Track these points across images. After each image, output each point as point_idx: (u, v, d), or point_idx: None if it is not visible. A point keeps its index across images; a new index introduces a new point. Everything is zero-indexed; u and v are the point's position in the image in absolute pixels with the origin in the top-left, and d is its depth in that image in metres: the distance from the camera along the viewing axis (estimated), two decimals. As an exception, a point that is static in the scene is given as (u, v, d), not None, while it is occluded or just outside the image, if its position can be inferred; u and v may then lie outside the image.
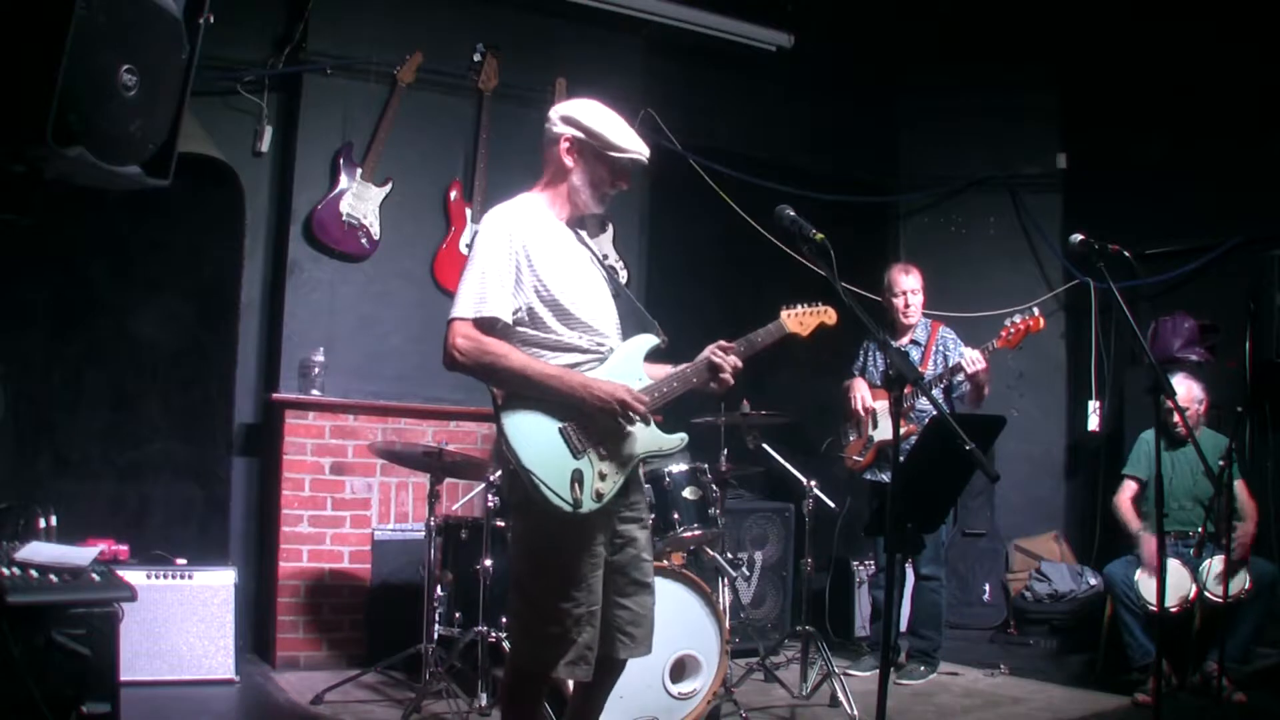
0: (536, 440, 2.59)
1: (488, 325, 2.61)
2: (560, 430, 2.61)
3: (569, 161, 2.74)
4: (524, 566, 2.72)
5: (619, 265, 5.77)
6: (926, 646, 5.07)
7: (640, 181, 6.10)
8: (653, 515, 3.98)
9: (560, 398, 2.60)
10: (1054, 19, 6.20)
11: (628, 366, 2.75)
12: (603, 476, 2.62)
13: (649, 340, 2.81)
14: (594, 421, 2.63)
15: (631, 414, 2.62)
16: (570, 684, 2.89)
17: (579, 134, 2.72)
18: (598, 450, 2.63)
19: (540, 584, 2.64)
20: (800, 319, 3.06)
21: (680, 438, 2.80)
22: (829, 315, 3.11)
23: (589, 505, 2.58)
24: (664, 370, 2.82)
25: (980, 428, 2.88)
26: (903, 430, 4.88)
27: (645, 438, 2.72)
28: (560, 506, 2.54)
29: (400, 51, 5.28)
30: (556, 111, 2.78)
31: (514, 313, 2.64)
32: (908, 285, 5.05)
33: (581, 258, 2.80)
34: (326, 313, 5.17)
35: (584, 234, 2.89)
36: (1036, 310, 4.61)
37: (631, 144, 2.73)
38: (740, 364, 2.79)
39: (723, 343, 2.80)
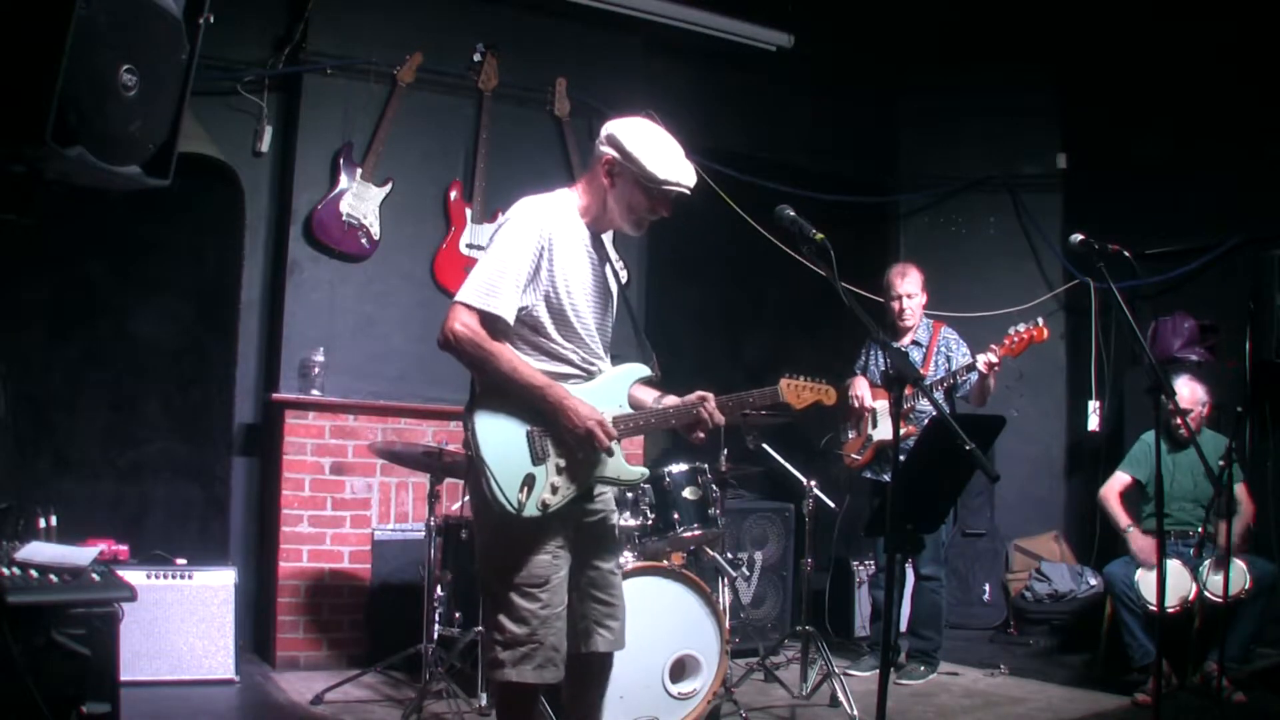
0: (500, 437, 2.60)
1: (489, 320, 2.59)
2: (527, 434, 2.63)
3: (605, 181, 2.70)
4: (487, 567, 2.73)
5: (620, 266, 5.77)
6: (926, 647, 5.07)
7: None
8: (653, 515, 4.00)
9: (537, 407, 2.61)
10: (1054, 19, 6.20)
11: (611, 391, 2.74)
12: (554, 489, 2.62)
13: (639, 370, 2.81)
14: (562, 435, 2.64)
15: (596, 446, 2.62)
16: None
17: (618, 156, 2.66)
18: (557, 462, 2.64)
19: (504, 585, 2.64)
20: (798, 391, 3.03)
21: (641, 471, 2.81)
22: (828, 395, 3.09)
23: (530, 511, 2.59)
24: (649, 397, 2.81)
25: (980, 428, 2.88)
26: (902, 431, 4.89)
27: (608, 462, 2.71)
28: (503, 505, 2.56)
29: (400, 51, 5.27)
30: (607, 127, 2.73)
31: (520, 310, 2.62)
32: (903, 289, 5.04)
33: (595, 270, 2.77)
34: (326, 313, 5.17)
35: (607, 244, 2.85)
36: (1041, 320, 4.59)
37: (671, 174, 2.64)
38: (722, 421, 2.75)
39: (711, 397, 2.74)
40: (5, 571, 2.69)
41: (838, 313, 2.84)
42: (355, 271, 5.23)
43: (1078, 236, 3.32)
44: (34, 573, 2.74)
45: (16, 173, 2.19)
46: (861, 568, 5.86)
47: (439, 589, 4.28)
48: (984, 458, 2.46)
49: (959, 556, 6.24)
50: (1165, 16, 5.92)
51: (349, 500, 5.06)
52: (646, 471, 2.84)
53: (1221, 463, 4.14)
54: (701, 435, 2.77)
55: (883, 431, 4.97)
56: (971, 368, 4.73)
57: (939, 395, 4.79)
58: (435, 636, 4.18)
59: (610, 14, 5.68)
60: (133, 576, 3.94)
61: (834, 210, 5.97)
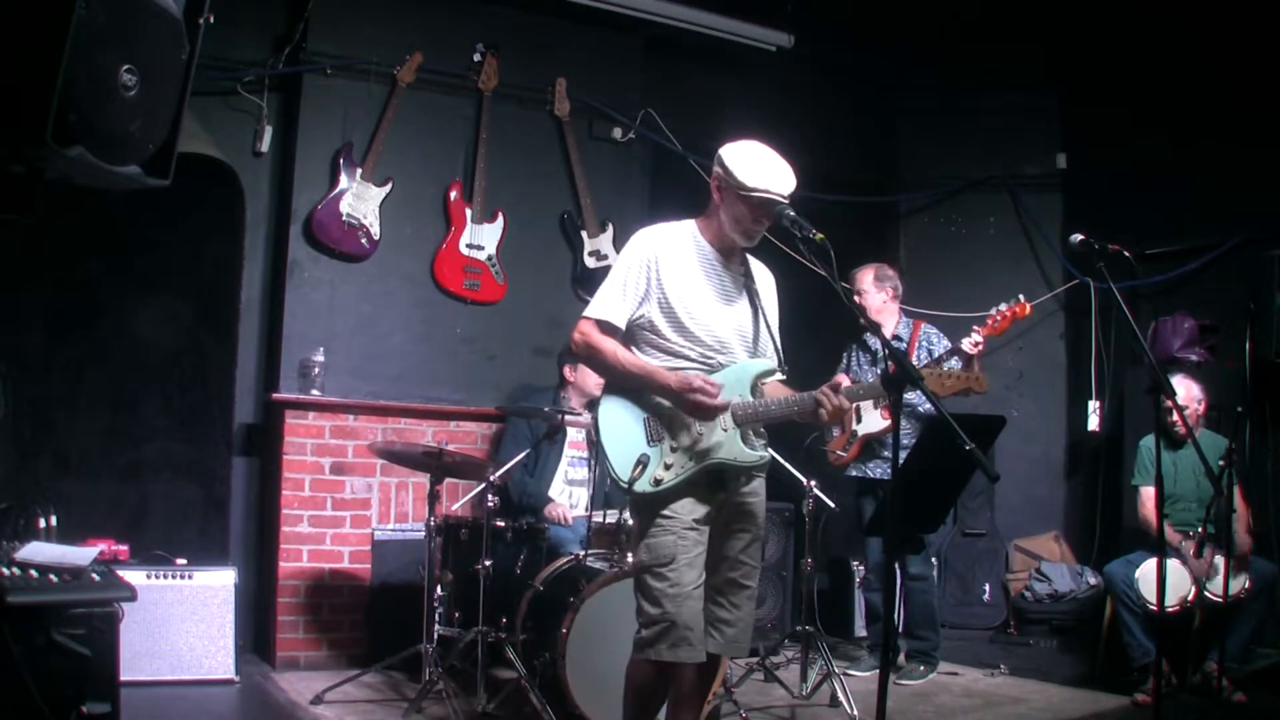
0: (619, 422, 2.93)
1: (608, 327, 2.94)
2: (644, 419, 2.92)
3: (716, 198, 2.96)
4: (633, 548, 3.01)
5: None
6: (924, 647, 5.07)
7: (640, 181, 6.11)
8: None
9: (645, 388, 2.90)
10: (1053, 19, 6.20)
11: (730, 382, 2.90)
12: (667, 466, 2.85)
13: (760, 364, 2.99)
14: (677, 417, 2.87)
15: (698, 396, 2.80)
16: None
17: (721, 172, 2.91)
18: (672, 443, 2.88)
19: (641, 568, 2.87)
20: (941, 380, 3.13)
21: (760, 455, 2.94)
22: (978, 383, 3.29)
23: (643, 487, 2.83)
24: (781, 394, 2.97)
25: (980, 428, 2.88)
26: (886, 424, 4.88)
27: (725, 444, 2.87)
28: (618, 477, 2.87)
29: (400, 51, 5.27)
30: (720, 150, 2.95)
31: (637, 318, 2.95)
32: (853, 284, 5.08)
33: (720, 281, 2.98)
34: (326, 313, 5.17)
35: (752, 263, 3.08)
36: (1022, 297, 4.58)
37: (764, 183, 2.83)
38: (845, 405, 2.87)
39: (836, 381, 2.90)
40: (5, 571, 2.69)
41: (838, 313, 2.86)
42: (355, 271, 5.23)
43: (1078, 236, 3.31)
44: (34, 573, 2.74)
45: (17, 173, 2.19)
46: (861, 567, 5.86)
47: (439, 589, 4.28)
48: (984, 458, 2.45)
49: (959, 557, 6.24)
50: (1165, 17, 5.91)
51: (349, 500, 5.06)
52: (767, 455, 2.97)
53: (1222, 463, 4.14)
54: (825, 415, 2.87)
55: (867, 426, 4.98)
56: (954, 352, 4.70)
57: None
58: (435, 636, 4.18)
59: (610, 14, 5.68)
60: (133, 576, 3.94)
61: (834, 210, 5.98)
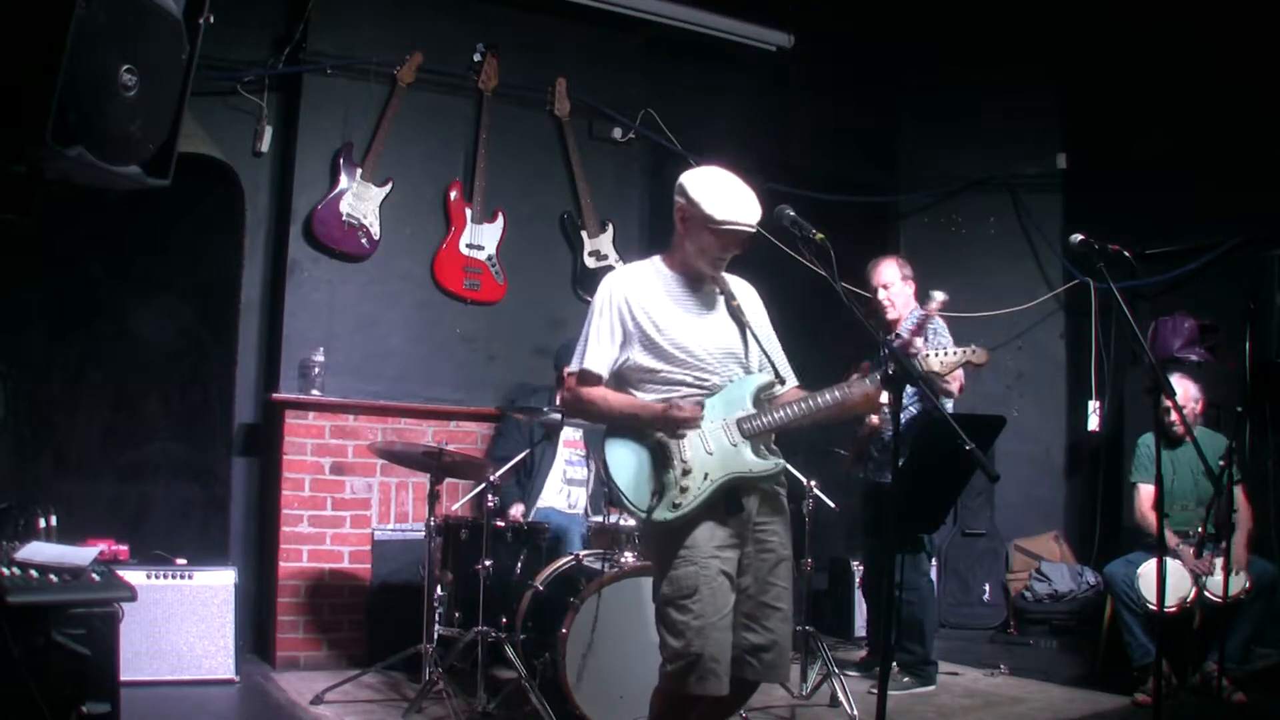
0: (627, 455, 2.87)
1: (592, 377, 2.92)
2: (649, 450, 2.86)
3: (680, 229, 2.91)
4: (655, 583, 2.90)
5: (619, 265, 5.76)
6: (909, 660, 4.85)
7: (640, 181, 6.11)
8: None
9: (638, 425, 2.87)
10: (1054, 19, 6.20)
11: (728, 400, 2.89)
12: (684, 490, 2.78)
13: (758, 379, 2.94)
14: (682, 441, 2.83)
15: (673, 423, 2.79)
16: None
17: (685, 203, 2.85)
18: (684, 466, 2.81)
19: (662, 601, 2.81)
20: (937, 360, 3.08)
21: (774, 463, 2.88)
22: (976, 355, 3.18)
23: (661, 514, 2.77)
24: (793, 396, 2.94)
25: (980, 428, 2.89)
26: (875, 422, 4.84)
27: (732, 459, 2.82)
28: (636, 510, 2.82)
29: (400, 51, 5.28)
30: (680, 179, 2.91)
31: (620, 361, 2.92)
32: (879, 280, 4.98)
33: (695, 306, 2.95)
34: (326, 313, 5.17)
35: (730, 280, 3.03)
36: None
37: (732, 214, 2.79)
38: (833, 401, 2.84)
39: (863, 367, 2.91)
40: (5, 571, 2.69)
41: (837, 313, 2.85)
42: (355, 271, 5.23)
43: (1078, 236, 3.31)
44: (34, 573, 2.74)
45: (17, 173, 2.19)
46: (861, 568, 5.86)
47: (439, 589, 4.28)
48: (984, 458, 2.46)
49: (959, 557, 6.24)
50: (1165, 16, 5.92)
51: (349, 500, 5.06)
52: (779, 463, 2.90)
53: (1222, 463, 4.13)
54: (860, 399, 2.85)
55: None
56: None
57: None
58: (435, 636, 4.18)
59: (610, 14, 5.69)
60: (133, 576, 3.94)
61: (834, 210, 5.98)
